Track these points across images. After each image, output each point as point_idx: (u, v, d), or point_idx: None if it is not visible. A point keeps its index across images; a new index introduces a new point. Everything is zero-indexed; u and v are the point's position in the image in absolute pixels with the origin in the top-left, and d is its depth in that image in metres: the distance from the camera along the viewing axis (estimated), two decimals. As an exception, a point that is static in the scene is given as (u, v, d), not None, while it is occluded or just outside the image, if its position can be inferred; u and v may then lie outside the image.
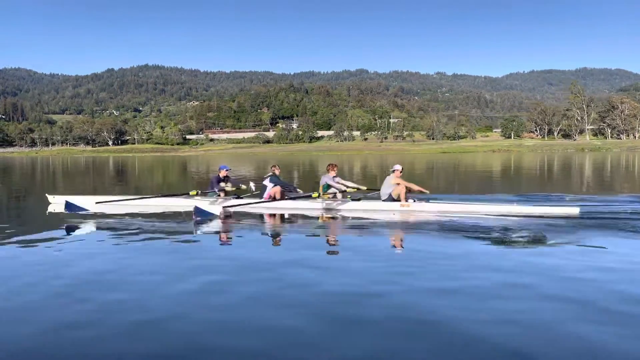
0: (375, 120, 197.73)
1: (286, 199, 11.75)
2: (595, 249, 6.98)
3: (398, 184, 11.21)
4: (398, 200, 11.11)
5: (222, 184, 12.25)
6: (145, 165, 51.56)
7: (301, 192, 12.43)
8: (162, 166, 48.33)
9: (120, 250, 7.20)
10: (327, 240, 8.21)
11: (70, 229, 9.18)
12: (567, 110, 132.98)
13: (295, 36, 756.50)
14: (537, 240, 7.59)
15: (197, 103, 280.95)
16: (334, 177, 11.84)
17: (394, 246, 7.79)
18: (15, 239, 8.11)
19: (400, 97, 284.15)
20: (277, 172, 12.40)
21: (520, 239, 7.64)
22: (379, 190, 11.70)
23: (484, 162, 47.62)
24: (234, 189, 12.41)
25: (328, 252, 7.18)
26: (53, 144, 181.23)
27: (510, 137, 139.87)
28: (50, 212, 11.69)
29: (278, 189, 11.98)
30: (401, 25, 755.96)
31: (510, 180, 23.61)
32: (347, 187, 11.64)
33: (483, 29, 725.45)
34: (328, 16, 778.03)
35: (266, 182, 12.18)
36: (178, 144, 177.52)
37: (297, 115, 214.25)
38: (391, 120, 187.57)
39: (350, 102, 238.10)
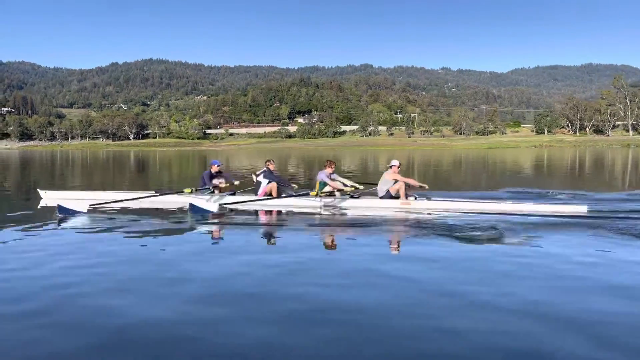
0: (396, 115, 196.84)
1: (283, 197, 11.36)
2: (599, 251, 6.62)
3: (396, 180, 10.84)
4: (397, 197, 10.72)
5: (216, 181, 11.92)
6: (179, 161, 49.44)
7: (295, 187, 12.34)
8: (200, 163, 46.21)
9: (107, 249, 7.03)
10: (324, 240, 7.89)
11: (62, 220, 9.26)
12: (609, 105, 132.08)
13: (298, 30, 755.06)
14: (541, 239, 7.25)
15: (205, 97, 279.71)
16: (330, 174, 11.40)
17: (393, 246, 7.38)
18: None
19: (408, 92, 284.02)
20: (271, 167, 11.99)
21: (523, 239, 7.31)
22: (376, 185, 11.33)
23: (547, 158, 45.87)
24: (227, 185, 11.94)
25: (324, 252, 6.89)
26: (72, 137, 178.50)
27: (543, 133, 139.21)
28: (41, 208, 11.30)
29: (274, 185, 11.59)
30: (405, 20, 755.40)
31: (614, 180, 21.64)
32: (345, 185, 11.30)
33: (487, 23, 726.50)
34: (331, 10, 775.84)
35: (260, 177, 11.80)
36: (198, 138, 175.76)
37: (316, 110, 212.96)
38: (412, 115, 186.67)
39: (363, 97, 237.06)
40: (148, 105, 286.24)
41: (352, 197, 11.03)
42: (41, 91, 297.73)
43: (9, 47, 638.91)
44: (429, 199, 10.73)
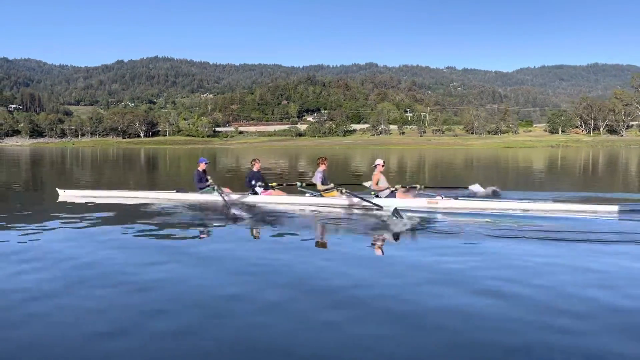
0: (406, 113, 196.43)
1: (307, 195, 11.29)
2: (629, 250, 6.57)
3: (378, 178, 10.82)
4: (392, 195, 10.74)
5: (207, 182, 11.88)
6: (189, 159, 48.84)
7: (274, 184, 12.12)
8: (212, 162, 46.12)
9: (111, 243, 7.16)
10: (343, 238, 7.77)
11: (74, 217, 9.36)
12: (626, 105, 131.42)
13: (301, 29, 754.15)
14: (568, 240, 7.16)
15: (211, 95, 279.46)
16: (323, 170, 11.33)
17: (420, 245, 7.22)
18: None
19: (414, 91, 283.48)
20: (256, 167, 11.80)
21: (550, 238, 7.22)
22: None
23: (576, 159, 45.15)
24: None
25: (342, 252, 6.69)
26: (82, 134, 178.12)
27: (557, 132, 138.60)
28: (58, 205, 11.52)
29: (281, 193, 11.58)
30: (409, 19, 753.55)
31: None
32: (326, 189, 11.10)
33: (492, 22, 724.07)
34: (335, 8, 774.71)
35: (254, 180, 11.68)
36: (208, 136, 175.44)
37: (324, 109, 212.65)
38: (423, 114, 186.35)
39: (370, 96, 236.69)
40: (154, 103, 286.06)
41: (376, 196, 10.79)
42: (47, 88, 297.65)
43: (15, 45, 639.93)
44: (456, 198, 10.60)
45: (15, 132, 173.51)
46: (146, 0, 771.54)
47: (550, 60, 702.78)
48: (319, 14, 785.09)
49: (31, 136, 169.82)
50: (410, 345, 3.61)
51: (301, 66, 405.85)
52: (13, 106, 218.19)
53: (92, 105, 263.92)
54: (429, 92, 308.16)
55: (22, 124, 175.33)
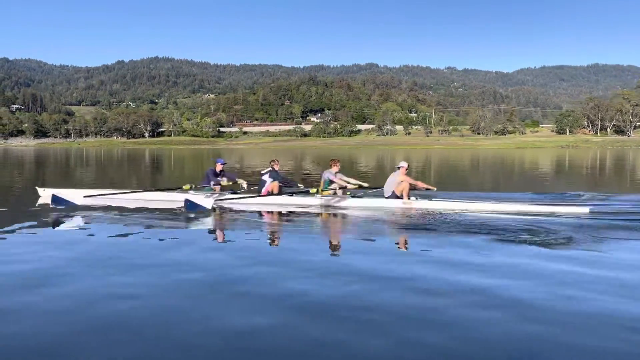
0: (410, 114, 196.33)
1: (284, 194, 11.48)
2: (600, 252, 6.61)
3: (402, 181, 10.95)
4: (401, 197, 10.89)
5: (219, 178, 12.16)
6: (194, 159, 48.38)
7: (301, 186, 12.35)
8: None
9: (104, 246, 7.00)
10: (325, 239, 7.96)
11: (56, 223, 9.05)
12: (635, 105, 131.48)
13: (302, 29, 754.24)
14: (541, 241, 7.17)
15: (212, 95, 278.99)
16: (336, 172, 11.50)
17: (392, 245, 7.40)
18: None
19: (416, 91, 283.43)
20: (276, 167, 11.98)
21: (523, 240, 7.27)
22: (381, 188, 11.44)
23: (599, 159, 45.25)
24: (230, 183, 12.17)
25: (325, 251, 6.84)
26: (87, 135, 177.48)
27: (565, 133, 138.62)
28: (39, 205, 11.35)
29: (276, 184, 11.65)
30: (409, 19, 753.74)
31: None
32: (350, 183, 11.44)
33: (493, 22, 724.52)
34: (335, 9, 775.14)
35: (265, 177, 11.80)
36: (213, 136, 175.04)
37: (328, 109, 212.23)
38: (428, 114, 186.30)
39: (372, 96, 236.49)
40: (156, 103, 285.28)
41: (353, 196, 11.04)
42: (48, 88, 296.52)
43: (16, 45, 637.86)
44: (430, 199, 10.86)
45: (20, 133, 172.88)
46: (146, 1, 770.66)
47: (550, 61, 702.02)
48: (319, 14, 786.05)
49: (35, 136, 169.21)
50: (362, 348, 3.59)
51: (302, 66, 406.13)
52: (15, 106, 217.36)
53: (93, 105, 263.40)
54: (430, 92, 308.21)
55: (26, 124, 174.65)
